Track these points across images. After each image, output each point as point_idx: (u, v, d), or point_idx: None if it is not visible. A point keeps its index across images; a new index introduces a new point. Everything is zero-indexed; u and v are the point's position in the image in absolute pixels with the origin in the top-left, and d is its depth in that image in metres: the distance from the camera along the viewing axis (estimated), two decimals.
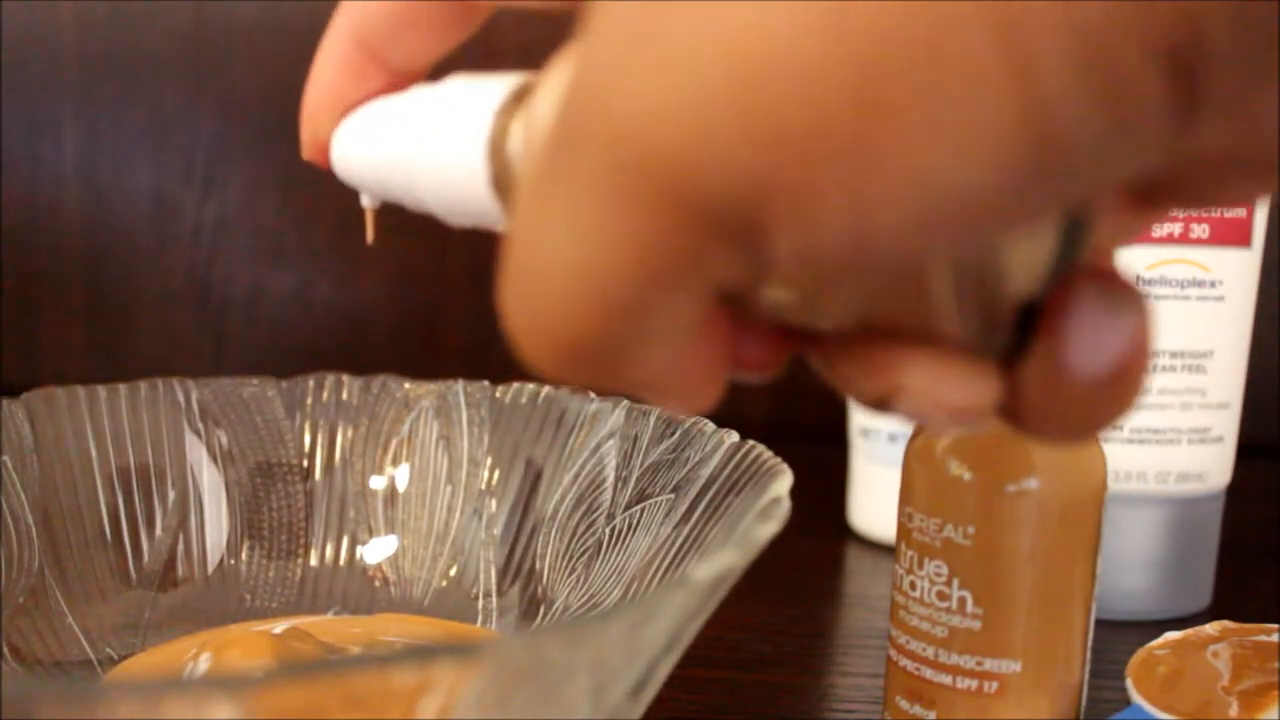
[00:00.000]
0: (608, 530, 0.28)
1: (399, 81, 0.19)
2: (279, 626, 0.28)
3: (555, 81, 0.15)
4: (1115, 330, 0.14)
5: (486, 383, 0.32)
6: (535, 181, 0.13)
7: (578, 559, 0.29)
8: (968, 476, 0.24)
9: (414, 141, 0.17)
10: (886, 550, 0.40)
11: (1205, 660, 0.27)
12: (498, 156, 0.16)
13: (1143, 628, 0.34)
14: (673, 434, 0.28)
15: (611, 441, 0.29)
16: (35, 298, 0.57)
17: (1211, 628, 0.28)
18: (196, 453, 0.31)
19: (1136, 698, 0.26)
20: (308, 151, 0.20)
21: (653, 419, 0.29)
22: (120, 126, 0.56)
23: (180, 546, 0.30)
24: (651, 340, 0.13)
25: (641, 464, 0.28)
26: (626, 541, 0.28)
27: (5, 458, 0.28)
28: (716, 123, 0.11)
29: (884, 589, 0.37)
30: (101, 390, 0.30)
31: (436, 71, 0.19)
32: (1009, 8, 0.10)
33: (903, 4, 0.10)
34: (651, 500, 0.27)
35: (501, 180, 0.16)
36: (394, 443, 0.31)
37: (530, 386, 0.31)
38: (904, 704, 0.26)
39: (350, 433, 0.31)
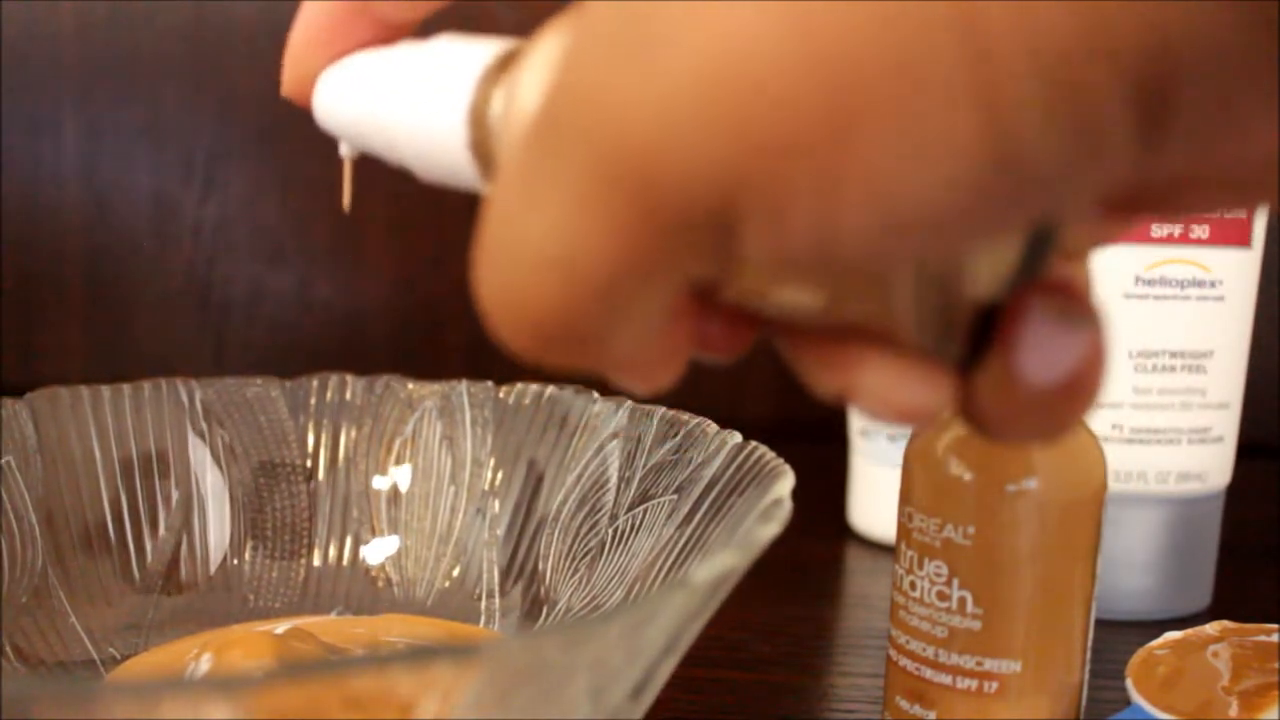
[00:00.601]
0: (610, 531, 0.28)
1: (387, 35, 0.20)
2: (281, 627, 0.28)
3: (541, 56, 0.15)
4: (1067, 345, 0.14)
5: (490, 383, 0.32)
6: (515, 166, 0.13)
7: (580, 560, 0.29)
8: (968, 476, 0.24)
9: (397, 97, 0.18)
10: (886, 550, 0.40)
11: (1205, 660, 0.27)
12: (478, 123, 0.16)
13: (1143, 628, 0.34)
14: (676, 435, 0.28)
15: (615, 442, 0.29)
16: (35, 298, 0.57)
17: (1211, 628, 0.28)
18: (199, 452, 0.31)
19: (1136, 698, 0.26)
20: (287, 89, 0.20)
21: (656, 420, 0.29)
22: (120, 126, 0.56)
23: (183, 546, 0.30)
24: (620, 327, 0.13)
25: (644, 465, 0.28)
26: (629, 542, 0.28)
27: (9, 457, 0.28)
28: (688, 122, 0.11)
29: (884, 589, 0.37)
30: (105, 390, 0.30)
31: (424, 29, 0.19)
32: (977, 27, 0.10)
33: (878, 14, 0.10)
34: (654, 501, 0.27)
35: (480, 146, 0.16)
36: (397, 443, 0.31)
37: (534, 387, 0.31)
38: (904, 704, 0.26)
39: (353, 433, 0.31)
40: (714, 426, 0.27)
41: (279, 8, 0.55)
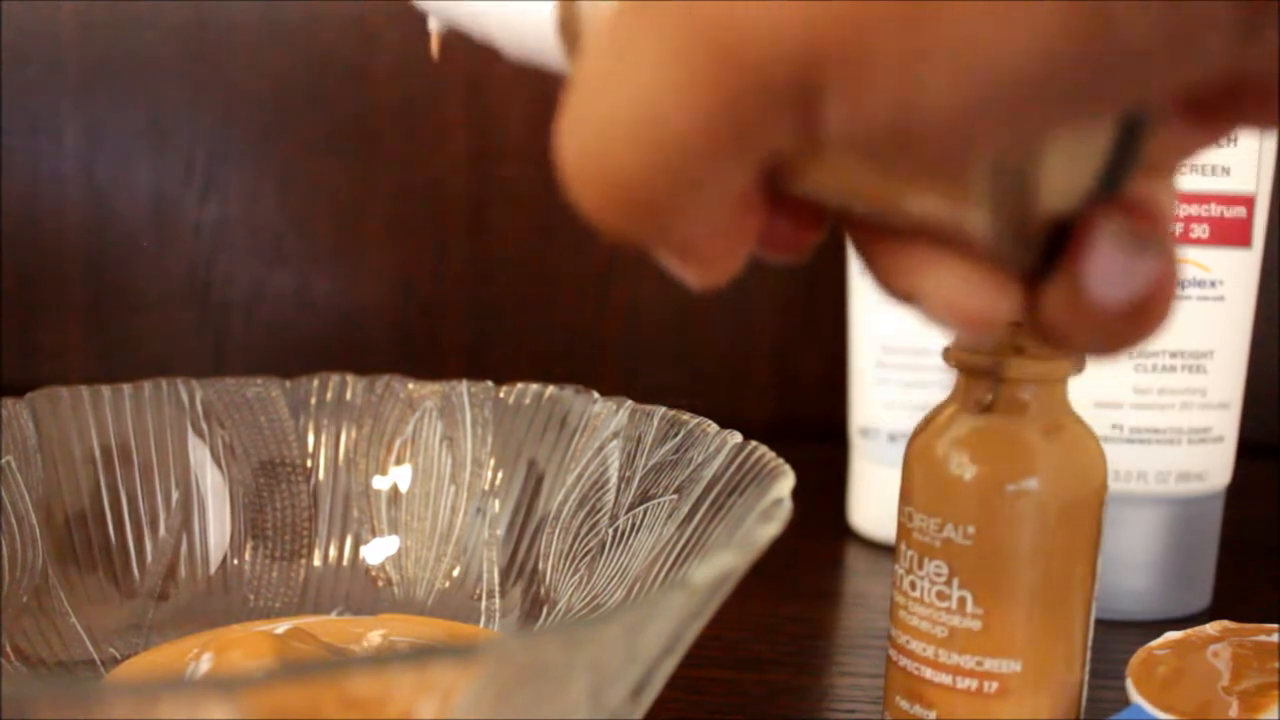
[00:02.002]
0: (610, 531, 0.28)
1: None
2: (281, 627, 0.28)
3: None
4: (1137, 271, 0.14)
5: (490, 383, 0.32)
6: (609, 34, 0.13)
7: (580, 560, 0.29)
8: (968, 476, 0.24)
9: None
10: (886, 550, 0.40)
11: (1206, 660, 0.27)
12: (567, 2, 0.17)
13: (1143, 628, 0.34)
14: (676, 435, 0.28)
15: (615, 442, 0.29)
16: (35, 298, 0.57)
17: (1212, 627, 0.28)
18: (199, 453, 0.31)
19: (1136, 698, 0.26)
20: None
21: (656, 420, 0.29)
22: (120, 126, 0.56)
23: (183, 547, 0.30)
24: (696, 201, 0.14)
25: (645, 464, 0.28)
26: (629, 542, 0.28)
27: (9, 457, 0.28)
28: None
29: (884, 589, 0.37)
30: (105, 390, 0.30)
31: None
32: None
33: None
34: (654, 501, 0.27)
35: (567, 25, 0.17)
36: (397, 443, 0.31)
37: (534, 387, 0.31)
38: (904, 704, 0.26)
39: (354, 433, 0.31)
40: (714, 426, 0.27)
41: (279, 8, 0.55)
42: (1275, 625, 0.28)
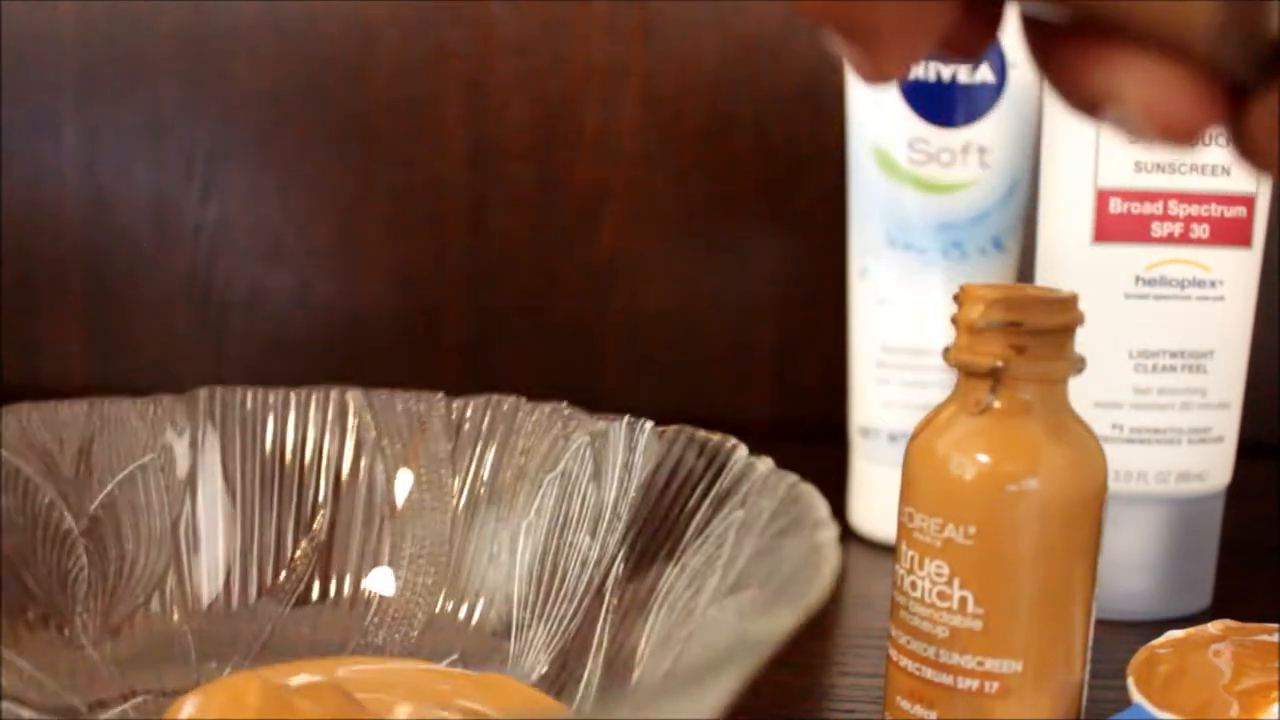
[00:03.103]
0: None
1: None
2: (341, 669, 0.27)
3: None
4: None
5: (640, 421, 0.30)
6: None
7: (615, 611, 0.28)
8: (968, 476, 0.24)
9: None
10: (886, 550, 0.40)
11: (1207, 660, 0.27)
12: None
13: (1143, 628, 0.34)
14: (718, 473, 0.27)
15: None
16: (35, 298, 0.57)
17: (1213, 627, 0.28)
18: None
19: (1137, 697, 0.26)
20: None
21: (684, 440, 0.28)
22: (120, 126, 0.56)
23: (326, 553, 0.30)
24: None
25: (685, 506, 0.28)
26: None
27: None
28: None
29: (884, 589, 0.37)
30: (275, 393, 0.31)
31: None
32: None
33: None
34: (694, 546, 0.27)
35: None
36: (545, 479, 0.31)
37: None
38: (904, 704, 0.26)
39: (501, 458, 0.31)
40: (766, 465, 0.26)
41: (279, 8, 0.55)
42: (1276, 625, 0.28)
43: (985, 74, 0.39)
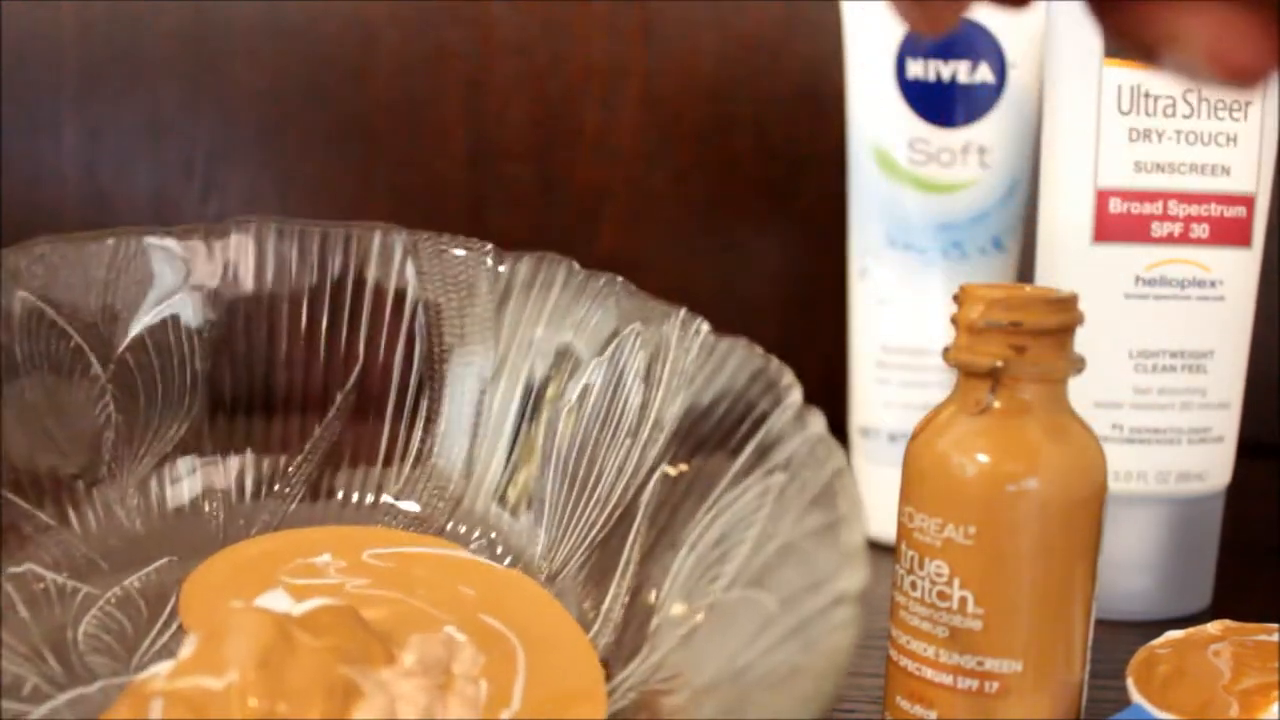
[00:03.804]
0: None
1: None
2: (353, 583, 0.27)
3: None
4: None
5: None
6: None
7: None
8: (968, 476, 0.24)
9: None
10: (886, 550, 0.40)
11: (1207, 659, 0.27)
12: None
13: (1143, 628, 0.34)
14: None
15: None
16: None
17: (1213, 627, 0.28)
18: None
19: (1137, 697, 0.26)
20: None
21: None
22: (120, 126, 0.56)
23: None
24: None
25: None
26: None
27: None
28: None
29: (884, 589, 0.37)
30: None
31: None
32: None
33: None
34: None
35: None
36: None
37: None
38: (904, 704, 0.26)
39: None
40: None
41: (279, 8, 0.55)
42: (1276, 625, 0.28)
43: (985, 74, 0.39)
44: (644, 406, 0.27)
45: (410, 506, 0.30)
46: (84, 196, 0.56)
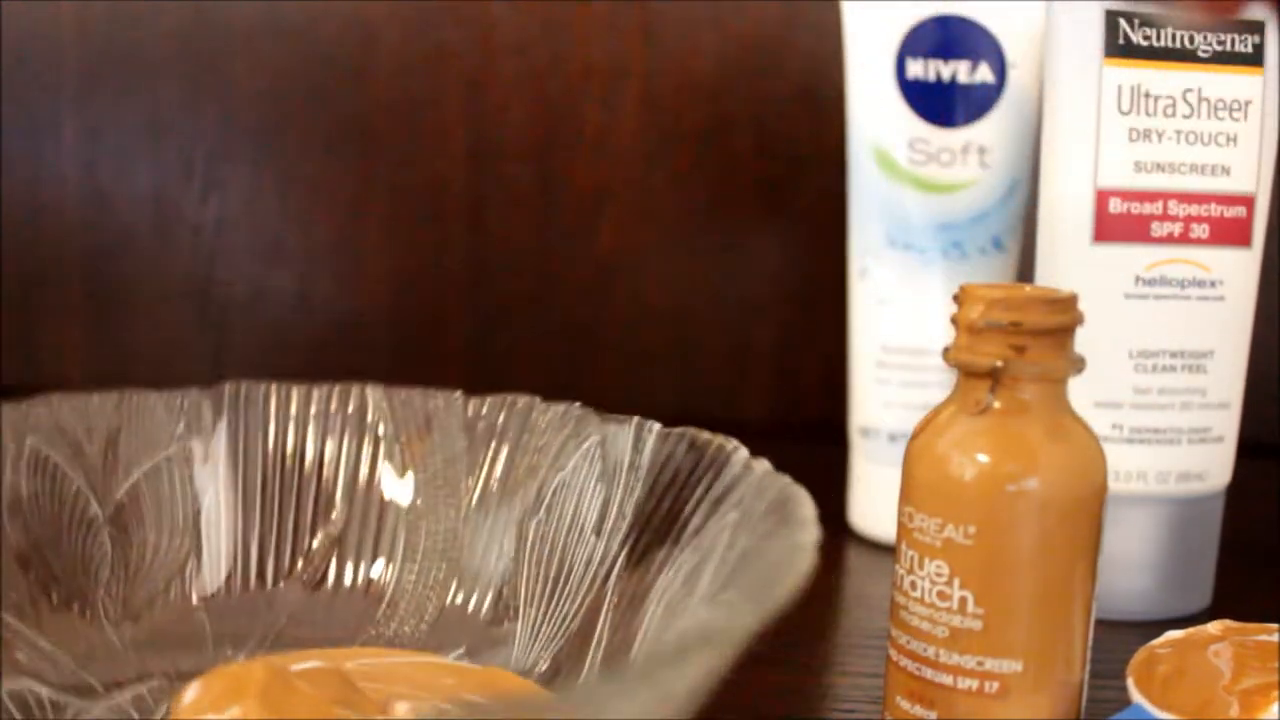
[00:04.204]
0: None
1: None
2: (351, 662, 0.27)
3: None
4: None
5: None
6: None
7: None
8: (968, 476, 0.24)
9: None
10: (886, 550, 0.40)
11: (1207, 659, 0.27)
12: None
13: (1143, 628, 0.34)
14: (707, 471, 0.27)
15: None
16: (35, 298, 0.57)
17: (1213, 627, 0.28)
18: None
19: (1137, 697, 0.26)
20: None
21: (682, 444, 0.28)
22: (120, 126, 0.56)
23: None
24: None
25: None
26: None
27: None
28: None
29: (884, 589, 0.37)
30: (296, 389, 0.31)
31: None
32: None
33: None
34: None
35: None
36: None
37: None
38: (904, 704, 0.26)
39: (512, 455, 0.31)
40: (761, 468, 0.26)
41: (279, 8, 0.55)
42: (1276, 625, 0.28)
43: (985, 74, 0.39)
44: (605, 504, 0.29)
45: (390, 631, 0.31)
46: (84, 196, 0.56)
